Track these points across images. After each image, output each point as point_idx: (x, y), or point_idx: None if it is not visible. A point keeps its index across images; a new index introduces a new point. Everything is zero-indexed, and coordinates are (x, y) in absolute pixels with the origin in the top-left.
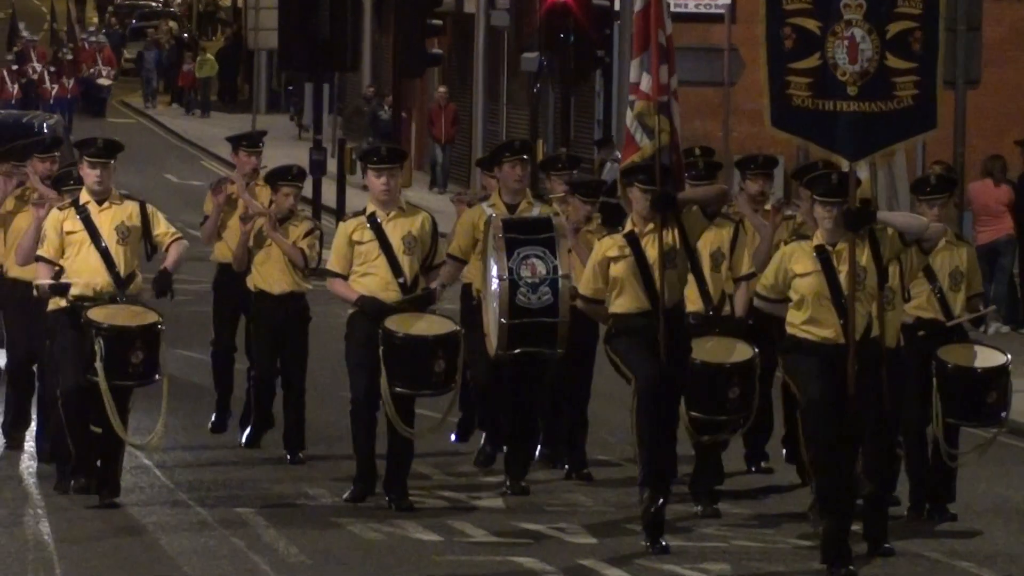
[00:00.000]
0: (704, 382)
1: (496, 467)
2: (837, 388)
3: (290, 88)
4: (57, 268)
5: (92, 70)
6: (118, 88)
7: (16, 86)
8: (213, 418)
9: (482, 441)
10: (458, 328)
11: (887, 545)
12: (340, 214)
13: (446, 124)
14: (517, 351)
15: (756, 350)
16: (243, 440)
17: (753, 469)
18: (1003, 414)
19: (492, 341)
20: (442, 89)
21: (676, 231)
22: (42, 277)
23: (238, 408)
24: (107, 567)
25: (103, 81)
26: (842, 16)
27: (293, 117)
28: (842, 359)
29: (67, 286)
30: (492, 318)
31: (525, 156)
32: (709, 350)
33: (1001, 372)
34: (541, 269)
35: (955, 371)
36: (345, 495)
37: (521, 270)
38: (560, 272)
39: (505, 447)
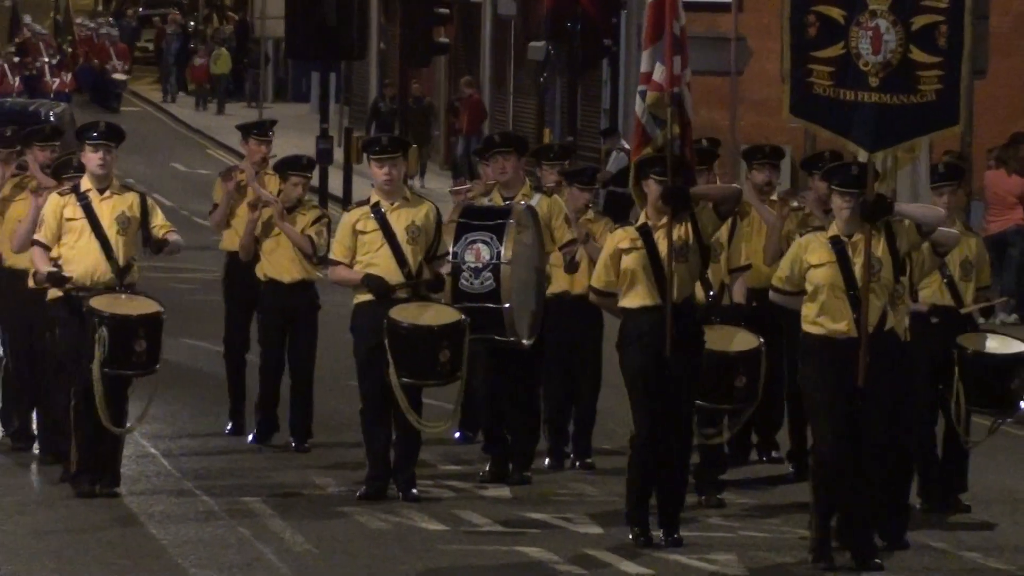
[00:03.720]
0: (710, 370)
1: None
2: (849, 388)
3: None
4: (55, 258)
5: (108, 64)
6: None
7: (17, 79)
8: (230, 426)
9: (487, 466)
10: (463, 318)
11: (905, 538)
12: (346, 203)
13: (470, 115)
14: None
15: (761, 340)
16: (250, 438)
17: (764, 459)
18: (1021, 403)
19: None
20: (464, 80)
21: (689, 225)
22: (39, 263)
23: (251, 404)
24: (112, 556)
25: (118, 76)
26: (867, 6)
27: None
28: (854, 352)
29: (66, 278)
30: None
31: (507, 149)
32: (714, 339)
33: (1021, 360)
34: (485, 254)
35: (975, 357)
36: (358, 493)
37: (465, 255)
38: (503, 258)
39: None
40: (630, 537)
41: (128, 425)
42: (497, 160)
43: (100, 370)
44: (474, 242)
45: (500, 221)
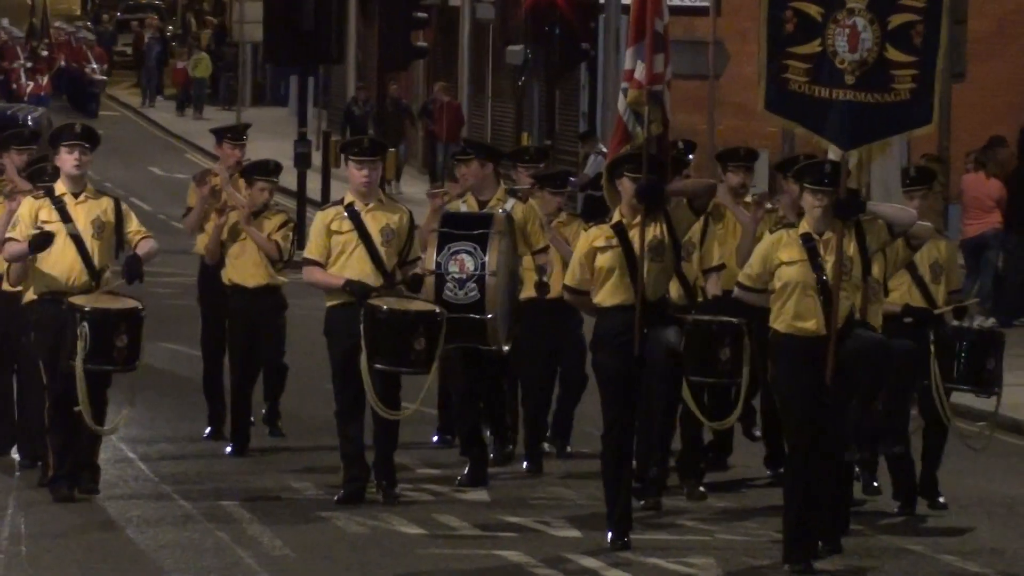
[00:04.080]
0: (694, 342)
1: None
2: (818, 387)
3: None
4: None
5: (87, 68)
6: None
7: None
8: (208, 430)
9: (466, 470)
10: (439, 310)
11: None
12: None
13: (448, 121)
14: (451, 345)
15: (742, 320)
16: (227, 451)
17: (770, 474)
18: (997, 389)
19: None
20: (438, 86)
21: (663, 223)
22: (12, 253)
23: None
24: (90, 560)
25: (96, 77)
26: (845, 4)
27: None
28: (823, 351)
29: (49, 235)
30: None
31: (468, 154)
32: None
33: (998, 339)
34: (469, 265)
35: (954, 332)
36: (336, 496)
37: (450, 265)
38: (488, 269)
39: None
40: (608, 541)
41: (108, 426)
42: (458, 167)
43: (83, 367)
44: (457, 252)
45: (483, 231)
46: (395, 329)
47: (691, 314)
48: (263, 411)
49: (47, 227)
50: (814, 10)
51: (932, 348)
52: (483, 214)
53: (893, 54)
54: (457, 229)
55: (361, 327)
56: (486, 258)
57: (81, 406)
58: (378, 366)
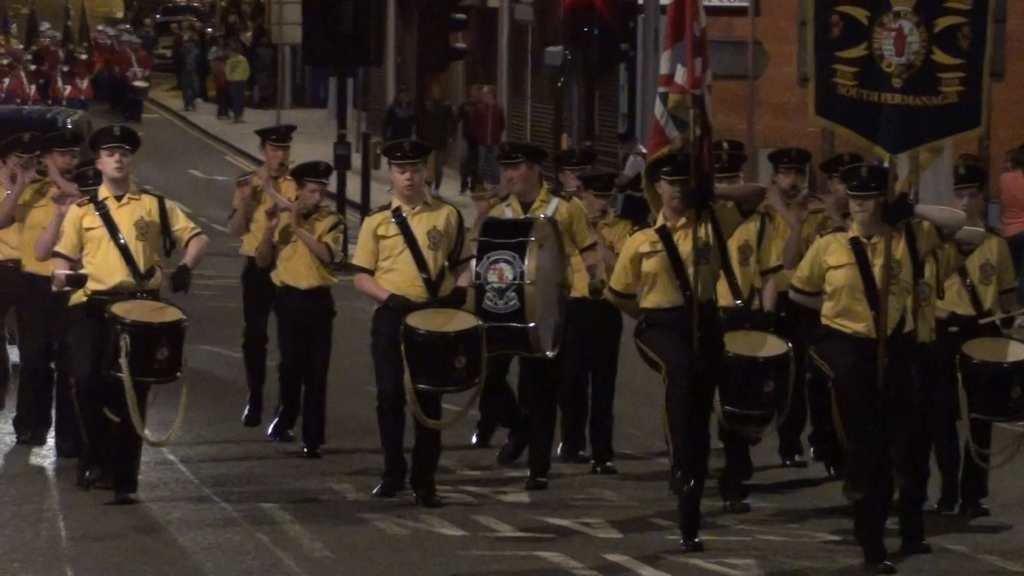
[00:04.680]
0: (738, 375)
1: (520, 461)
2: (869, 378)
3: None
4: (74, 264)
5: (129, 72)
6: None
7: (33, 87)
8: (247, 411)
9: (507, 438)
10: (480, 323)
11: (924, 542)
12: (365, 209)
13: (492, 124)
14: (494, 353)
15: (789, 344)
16: (269, 431)
17: (787, 463)
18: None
19: None
20: (486, 88)
21: (709, 226)
22: (59, 271)
23: (270, 402)
24: (130, 563)
25: (139, 83)
26: (891, 7)
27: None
28: (873, 353)
29: (84, 277)
30: None
31: (514, 159)
32: (742, 344)
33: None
34: (508, 274)
35: (980, 366)
36: (374, 490)
37: (489, 275)
38: (527, 278)
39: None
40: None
41: (165, 437)
42: (506, 170)
43: (130, 378)
44: (497, 261)
45: (522, 239)
46: (435, 350)
47: (745, 327)
48: (303, 428)
49: (91, 234)
50: (860, 13)
51: (960, 376)
52: (523, 220)
53: (940, 57)
54: (496, 238)
55: (402, 347)
56: (525, 267)
57: (133, 420)
58: (421, 386)
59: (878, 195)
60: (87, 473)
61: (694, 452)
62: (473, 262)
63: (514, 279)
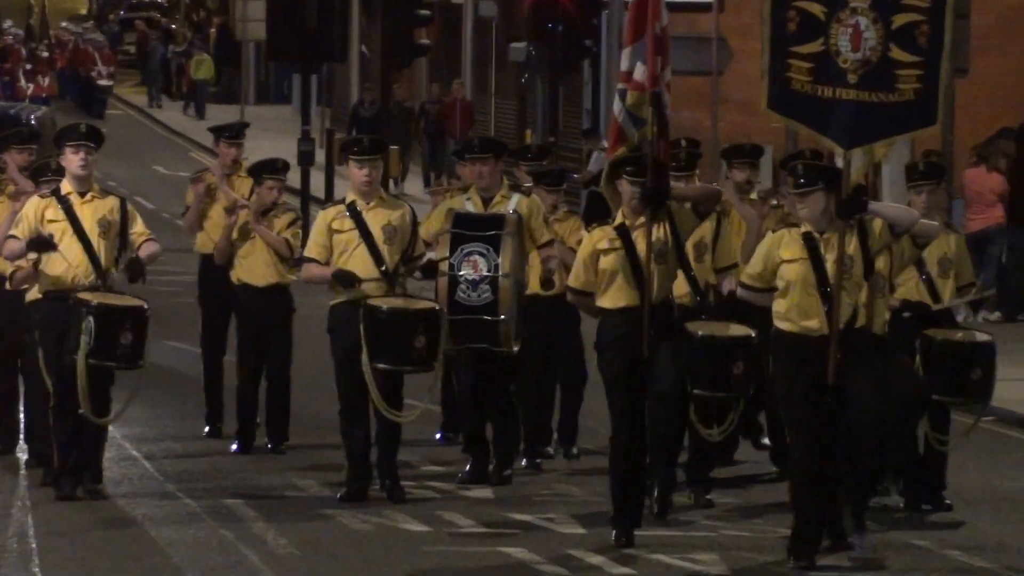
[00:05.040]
0: (706, 358)
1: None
2: (821, 384)
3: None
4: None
5: (93, 71)
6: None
7: None
8: (207, 429)
9: (467, 467)
10: (438, 306)
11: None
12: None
13: (461, 120)
14: (461, 346)
15: (752, 331)
16: (233, 448)
17: (758, 446)
18: (986, 400)
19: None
20: (456, 83)
21: (667, 226)
22: (11, 251)
23: (230, 410)
24: (96, 559)
25: (104, 82)
26: (848, 3)
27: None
28: (825, 350)
29: (49, 237)
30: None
31: (486, 155)
32: (707, 328)
33: (986, 349)
34: (483, 266)
35: (941, 345)
36: (339, 494)
37: (462, 266)
38: (501, 271)
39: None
40: (612, 538)
41: (111, 416)
42: (475, 165)
43: (85, 361)
44: (471, 254)
45: (496, 232)
46: (396, 328)
47: (701, 317)
48: (266, 424)
49: (53, 226)
50: (817, 9)
51: (918, 358)
52: (495, 215)
53: (897, 54)
54: (469, 230)
55: (361, 327)
56: (499, 259)
57: (81, 399)
58: (380, 365)
59: (817, 190)
60: (56, 491)
61: (632, 513)
62: (444, 254)
63: (489, 271)
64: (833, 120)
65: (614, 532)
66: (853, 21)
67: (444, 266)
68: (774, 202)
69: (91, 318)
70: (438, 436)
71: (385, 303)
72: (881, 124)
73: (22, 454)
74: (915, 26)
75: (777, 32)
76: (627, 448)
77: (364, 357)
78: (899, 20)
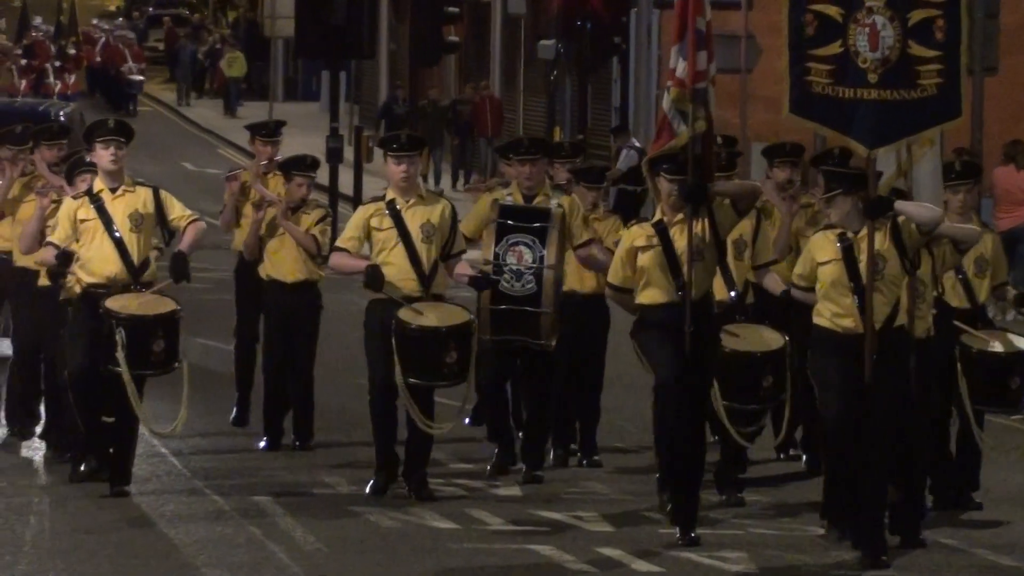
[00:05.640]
0: (736, 371)
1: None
2: (858, 381)
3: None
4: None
5: (124, 67)
6: None
7: (24, 81)
8: (234, 412)
9: (494, 454)
10: (471, 318)
11: (920, 537)
12: (357, 202)
13: (492, 118)
14: (500, 338)
15: (786, 338)
16: (261, 445)
17: (781, 456)
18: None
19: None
20: (483, 83)
21: (706, 223)
22: (46, 259)
23: (257, 403)
24: (122, 556)
25: (135, 77)
26: (864, 3)
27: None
28: (861, 349)
29: (71, 254)
30: (483, 303)
31: (535, 156)
32: (740, 340)
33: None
34: (528, 257)
35: (978, 355)
36: (368, 487)
37: (507, 256)
38: (546, 263)
39: (522, 435)
40: (659, 505)
41: (170, 428)
42: (524, 165)
43: (129, 371)
44: (516, 244)
45: (542, 224)
46: (426, 345)
47: (738, 318)
48: (293, 422)
49: (85, 225)
50: (834, 11)
51: (960, 367)
52: (542, 208)
53: (917, 50)
54: (515, 221)
55: (393, 341)
56: (544, 251)
57: (135, 410)
58: (412, 381)
59: (838, 194)
60: (82, 467)
61: (676, 470)
62: (491, 244)
63: (533, 262)
64: (856, 120)
65: (666, 496)
66: (870, 21)
67: (489, 256)
68: (804, 200)
69: (122, 329)
70: (467, 421)
71: (415, 320)
72: (905, 121)
73: (39, 452)
74: (931, 21)
75: (795, 36)
76: (670, 386)
77: (397, 372)
78: (915, 16)
